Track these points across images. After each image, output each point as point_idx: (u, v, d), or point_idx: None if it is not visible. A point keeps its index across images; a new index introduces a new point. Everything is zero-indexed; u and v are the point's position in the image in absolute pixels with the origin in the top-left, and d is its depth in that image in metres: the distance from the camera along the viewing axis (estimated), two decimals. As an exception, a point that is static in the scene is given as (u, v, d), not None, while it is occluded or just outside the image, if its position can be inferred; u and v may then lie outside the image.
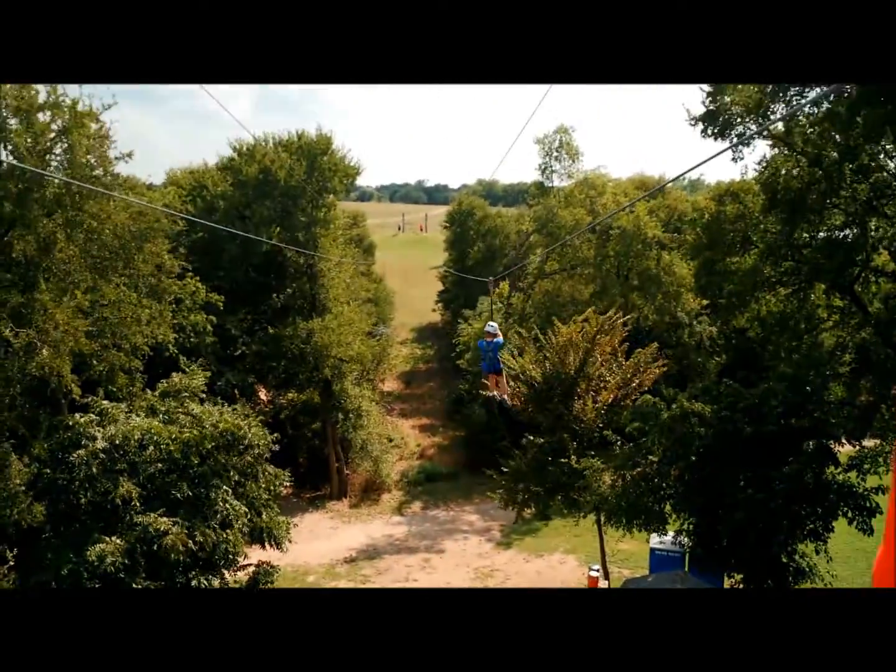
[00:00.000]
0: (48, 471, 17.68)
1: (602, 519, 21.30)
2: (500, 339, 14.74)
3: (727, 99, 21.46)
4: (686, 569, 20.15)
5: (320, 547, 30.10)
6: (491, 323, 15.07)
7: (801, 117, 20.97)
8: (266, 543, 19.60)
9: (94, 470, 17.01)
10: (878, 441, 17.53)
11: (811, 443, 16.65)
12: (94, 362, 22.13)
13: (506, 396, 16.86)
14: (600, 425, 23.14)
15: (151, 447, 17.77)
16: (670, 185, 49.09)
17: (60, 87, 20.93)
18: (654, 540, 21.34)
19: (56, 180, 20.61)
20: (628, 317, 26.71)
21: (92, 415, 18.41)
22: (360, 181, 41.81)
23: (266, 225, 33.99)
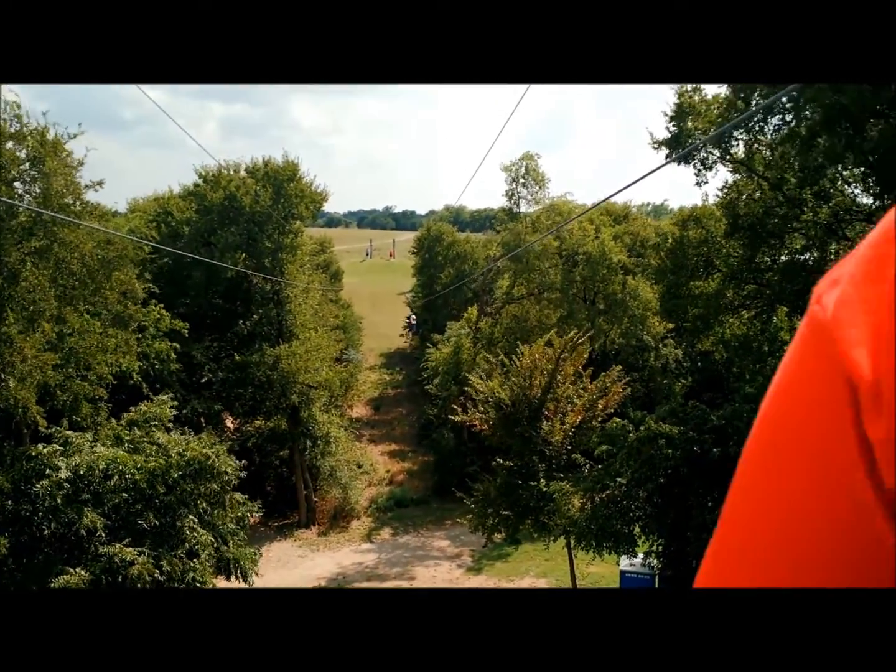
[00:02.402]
0: (10, 502, 17.35)
1: (572, 542, 21.33)
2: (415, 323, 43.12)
3: (689, 124, 21.86)
4: (656, 591, 20.19)
5: (289, 576, 29.75)
6: (410, 314, 45.09)
7: (762, 141, 21.44)
8: (231, 575, 19.35)
9: (58, 500, 16.72)
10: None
11: (776, 463, 16.82)
12: (59, 392, 21.82)
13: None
14: (568, 447, 23.26)
15: (116, 477, 17.52)
16: (634, 210, 49.73)
17: (26, 117, 20.92)
18: (624, 562, 21.41)
19: (25, 209, 20.47)
20: (588, 334, 26.94)
21: (56, 445, 18.13)
22: (328, 207, 41.86)
23: (231, 251, 33.79)
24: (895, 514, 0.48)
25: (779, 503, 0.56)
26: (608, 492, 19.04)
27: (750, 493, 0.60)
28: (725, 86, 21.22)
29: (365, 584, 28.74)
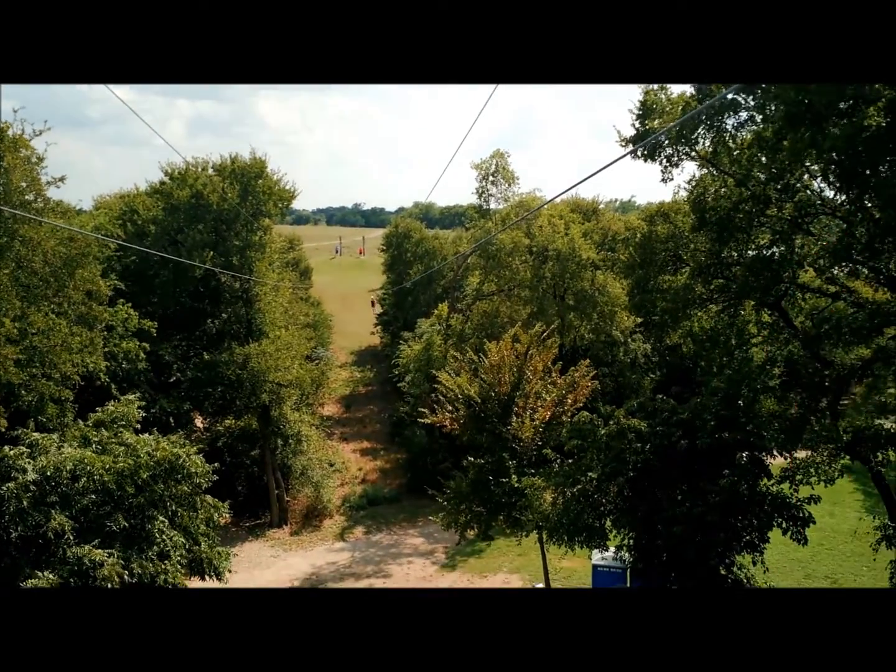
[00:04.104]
0: (-25, 506, 17.05)
1: (544, 537, 21.43)
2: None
3: (655, 122, 22.01)
4: (628, 583, 20.36)
5: (261, 576, 29.59)
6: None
7: (726, 137, 21.62)
8: (205, 575, 19.19)
9: (25, 503, 16.46)
10: (808, 452, 18.01)
11: (744, 455, 17.04)
12: (23, 392, 21.50)
13: None
14: (538, 443, 23.37)
15: (84, 478, 17.27)
16: (602, 206, 49.96)
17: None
18: (596, 556, 21.55)
19: None
20: (553, 327, 27.13)
21: (22, 447, 17.84)
22: (297, 205, 41.48)
23: (199, 249, 33.37)
24: None
25: None
26: (579, 486, 19.13)
27: None
28: (689, 85, 21.41)
29: (339, 584, 28.66)
